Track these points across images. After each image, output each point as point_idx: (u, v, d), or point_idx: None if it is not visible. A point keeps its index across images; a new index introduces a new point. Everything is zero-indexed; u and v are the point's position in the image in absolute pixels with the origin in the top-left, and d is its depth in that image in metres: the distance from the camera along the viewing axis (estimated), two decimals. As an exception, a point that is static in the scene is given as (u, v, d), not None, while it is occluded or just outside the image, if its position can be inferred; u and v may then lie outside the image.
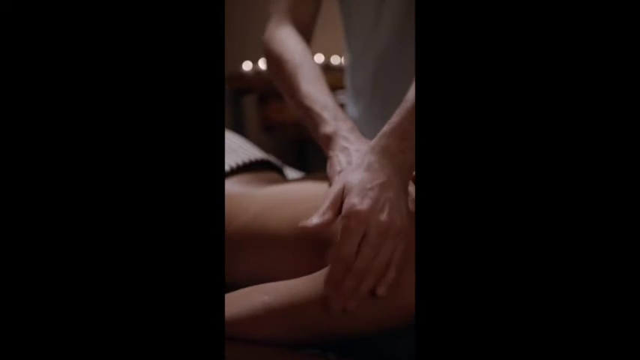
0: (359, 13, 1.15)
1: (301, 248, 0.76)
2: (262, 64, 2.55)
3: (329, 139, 0.82)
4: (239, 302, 0.71)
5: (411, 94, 0.73)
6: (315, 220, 0.66)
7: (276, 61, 0.98)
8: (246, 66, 2.58)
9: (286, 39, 1.00)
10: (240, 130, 2.39)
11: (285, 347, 0.71)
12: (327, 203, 0.68)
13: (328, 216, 0.67)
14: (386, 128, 0.71)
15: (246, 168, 1.00)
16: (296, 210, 0.79)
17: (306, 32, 1.04)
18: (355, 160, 0.74)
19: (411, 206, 0.71)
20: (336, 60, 2.29)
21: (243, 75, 2.57)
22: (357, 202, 0.66)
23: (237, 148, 1.04)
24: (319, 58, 2.27)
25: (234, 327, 0.69)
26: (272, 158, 1.07)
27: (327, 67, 2.13)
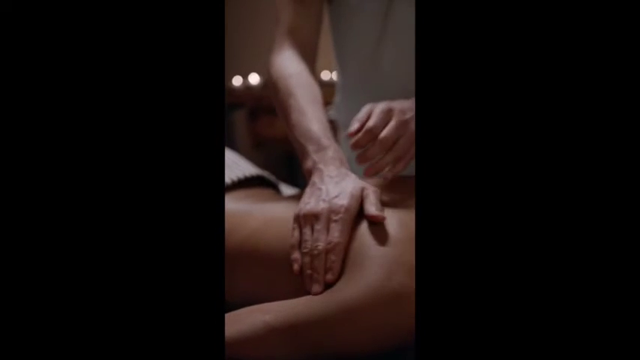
0: (357, 31, 1.09)
1: (292, 268, 0.76)
2: (252, 79, 2.56)
3: (309, 174, 0.83)
4: (239, 322, 0.70)
5: None
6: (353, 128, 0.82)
7: (273, 88, 0.97)
8: (236, 81, 2.59)
9: (284, 63, 0.97)
10: (230, 145, 2.38)
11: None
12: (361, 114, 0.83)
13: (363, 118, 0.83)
14: (402, 100, 0.85)
15: (241, 184, 0.99)
16: (287, 229, 0.79)
17: (310, 51, 1.02)
18: (315, 198, 0.78)
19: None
20: (326, 75, 2.30)
21: (233, 90, 2.57)
22: (388, 103, 0.83)
23: (232, 164, 1.04)
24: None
25: (234, 347, 0.68)
26: (266, 174, 1.07)
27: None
